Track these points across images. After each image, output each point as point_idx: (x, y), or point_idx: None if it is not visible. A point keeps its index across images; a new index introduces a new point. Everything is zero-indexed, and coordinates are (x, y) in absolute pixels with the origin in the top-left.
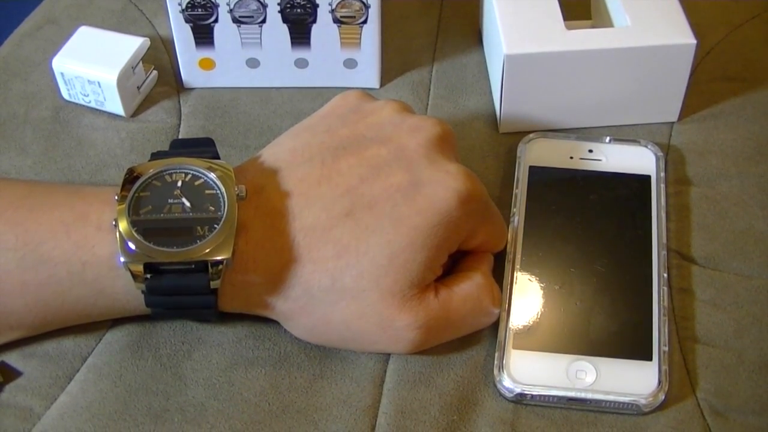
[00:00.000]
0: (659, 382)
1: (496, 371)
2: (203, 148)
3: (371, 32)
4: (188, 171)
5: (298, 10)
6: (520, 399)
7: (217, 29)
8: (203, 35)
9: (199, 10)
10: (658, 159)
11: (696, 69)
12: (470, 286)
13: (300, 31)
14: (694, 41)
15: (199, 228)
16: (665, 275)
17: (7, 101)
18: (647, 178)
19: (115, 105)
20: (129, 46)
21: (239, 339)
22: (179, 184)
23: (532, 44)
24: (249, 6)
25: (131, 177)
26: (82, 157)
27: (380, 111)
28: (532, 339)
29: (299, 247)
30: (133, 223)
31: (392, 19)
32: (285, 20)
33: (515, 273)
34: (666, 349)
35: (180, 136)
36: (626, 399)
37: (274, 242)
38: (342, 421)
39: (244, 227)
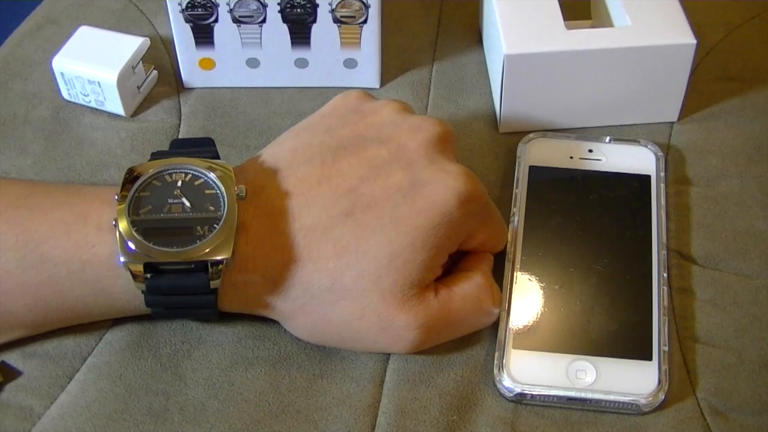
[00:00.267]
0: (659, 381)
1: (496, 371)
2: (203, 147)
3: (371, 32)
4: (188, 171)
5: (298, 10)
6: (520, 399)
7: (217, 29)
8: (203, 35)
9: (199, 9)
10: (658, 159)
11: (696, 69)
12: (470, 286)
13: (300, 31)
14: (694, 41)
15: (199, 228)
16: (665, 275)
17: (7, 101)
18: (647, 177)
19: (115, 105)
20: (129, 46)
21: (239, 339)
22: (179, 184)
23: (532, 44)
24: (249, 6)
25: (131, 177)
26: (82, 157)
27: (380, 111)
28: (532, 339)
29: (299, 247)
30: (133, 223)
31: (392, 19)
32: (285, 20)
33: (515, 273)
34: (666, 348)
35: (180, 136)
36: (626, 399)
37: (274, 242)
38: (342, 421)
39: (244, 227)
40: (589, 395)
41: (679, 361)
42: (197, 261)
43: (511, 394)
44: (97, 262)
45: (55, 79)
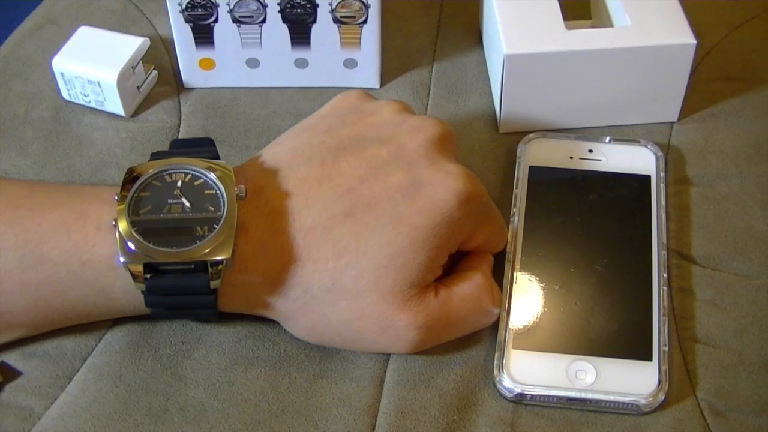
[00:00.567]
0: (659, 382)
1: (496, 371)
2: (203, 148)
3: (371, 32)
4: (188, 171)
5: (298, 10)
6: (520, 399)
7: (217, 29)
8: (203, 35)
9: (199, 10)
10: (658, 159)
11: (696, 69)
12: (470, 286)
13: (300, 31)
14: (694, 41)
15: (198, 228)
16: (665, 275)
17: (7, 101)
18: (647, 178)
19: (115, 105)
20: (129, 46)
21: (239, 339)
22: (179, 184)
23: (532, 44)
24: (249, 6)
25: (131, 177)
26: (82, 157)
27: (380, 111)
28: (532, 339)
29: (299, 247)
30: (132, 223)
31: (392, 19)
32: (285, 20)
33: (515, 273)
34: (666, 349)
35: (180, 136)
36: (626, 399)
37: (274, 242)
38: (342, 421)
39: (244, 227)
40: (589, 395)
41: (679, 361)
42: (197, 261)
43: (511, 395)
44: (97, 262)
45: (55, 79)
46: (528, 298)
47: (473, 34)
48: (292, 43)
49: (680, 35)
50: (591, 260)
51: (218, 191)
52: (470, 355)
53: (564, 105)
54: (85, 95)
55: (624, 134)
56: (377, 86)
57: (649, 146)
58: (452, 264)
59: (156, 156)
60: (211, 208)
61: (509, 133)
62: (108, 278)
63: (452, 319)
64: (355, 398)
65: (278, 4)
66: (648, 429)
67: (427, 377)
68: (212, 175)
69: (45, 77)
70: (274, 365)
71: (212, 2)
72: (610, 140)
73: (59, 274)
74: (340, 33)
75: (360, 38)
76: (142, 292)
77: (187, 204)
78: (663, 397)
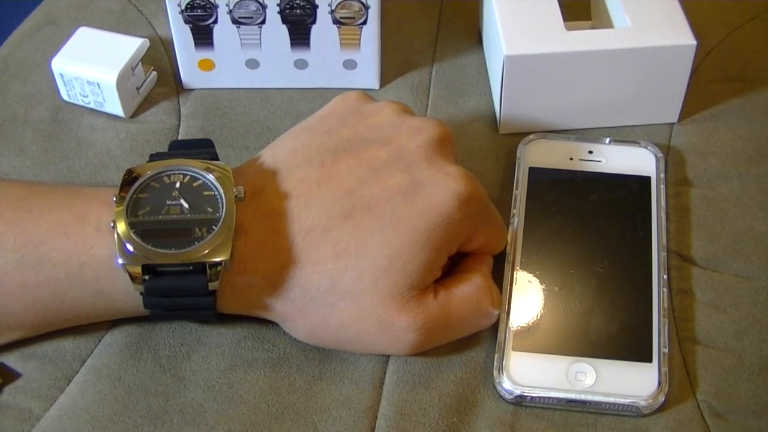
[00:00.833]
0: (659, 383)
1: (495, 373)
2: (202, 149)
3: (371, 33)
4: (186, 172)
5: (298, 11)
6: (520, 401)
7: (217, 30)
8: (203, 36)
9: (199, 10)
10: (658, 160)
11: (696, 70)
12: (469, 287)
13: (299, 32)
14: (694, 42)
15: (197, 229)
16: (665, 276)
17: (7, 102)
18: (647, 179)
19: (114, 106)
20: (128, 46)
21: (238, 340)
22: (177, 185)
23: (532, 45)
24: (248, 7)
25: (130, 178)
26: (81, 157)
27: (380, 112)
28: (532, 340)
29: (298, 249)
30: (131, 225)
31: (392, 19)
32: (284, 21)
33: (515, 274)
34: (666, 350)
35: (179, 137)
36: (626, 401)
37: (273, 244)
38: (341, 423)
39: (243, 228)
40: (589, 397)
41: (679, 362)
42: (196, 262)
43: (511, 396)
44: (96, 264)
45: (55, 80)
46: (528, 300)
47: (473, 35)
48: (292, 44)
49: (680, 36)
50: (591, 261)
51: (217, 192)
52: (470, 356)
53: (564, 106)
54: (84, 96)
55: (624, 135)
56: (377, 87)
57: (649, 147)
58: (452, 265)
59: (155, 157)
60: (210, 210)
61: (509, 134)
62: (107, 279)
63: (452, 320)
64: (355, 400)
65: (278, 5)
66: (648, 431)
67: (427, 379)
68: (211, 177)
69: (44, 78)
70: (274, 367)
71: (212, 3)
72: (610, 141)
73: (58, 275)
74: (339, 34)
75: (359, 39)
76: (141, 293)
77: (186, 205)
78: (663, 399)
